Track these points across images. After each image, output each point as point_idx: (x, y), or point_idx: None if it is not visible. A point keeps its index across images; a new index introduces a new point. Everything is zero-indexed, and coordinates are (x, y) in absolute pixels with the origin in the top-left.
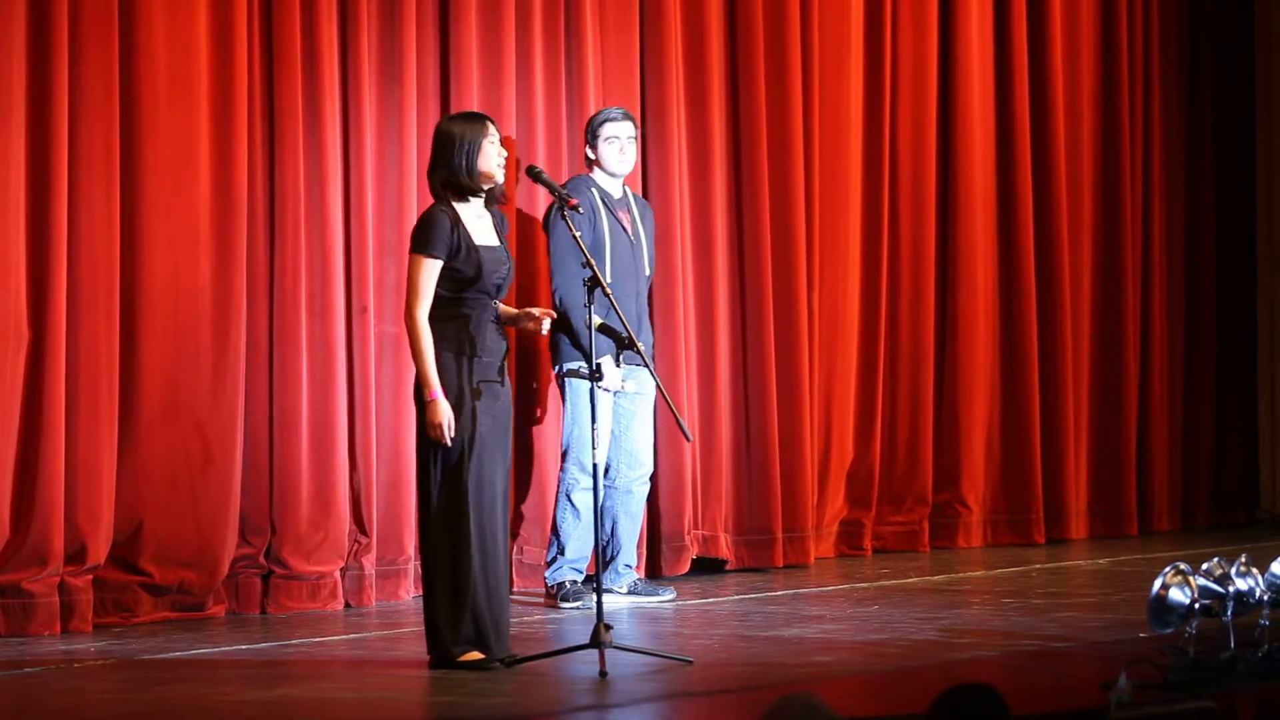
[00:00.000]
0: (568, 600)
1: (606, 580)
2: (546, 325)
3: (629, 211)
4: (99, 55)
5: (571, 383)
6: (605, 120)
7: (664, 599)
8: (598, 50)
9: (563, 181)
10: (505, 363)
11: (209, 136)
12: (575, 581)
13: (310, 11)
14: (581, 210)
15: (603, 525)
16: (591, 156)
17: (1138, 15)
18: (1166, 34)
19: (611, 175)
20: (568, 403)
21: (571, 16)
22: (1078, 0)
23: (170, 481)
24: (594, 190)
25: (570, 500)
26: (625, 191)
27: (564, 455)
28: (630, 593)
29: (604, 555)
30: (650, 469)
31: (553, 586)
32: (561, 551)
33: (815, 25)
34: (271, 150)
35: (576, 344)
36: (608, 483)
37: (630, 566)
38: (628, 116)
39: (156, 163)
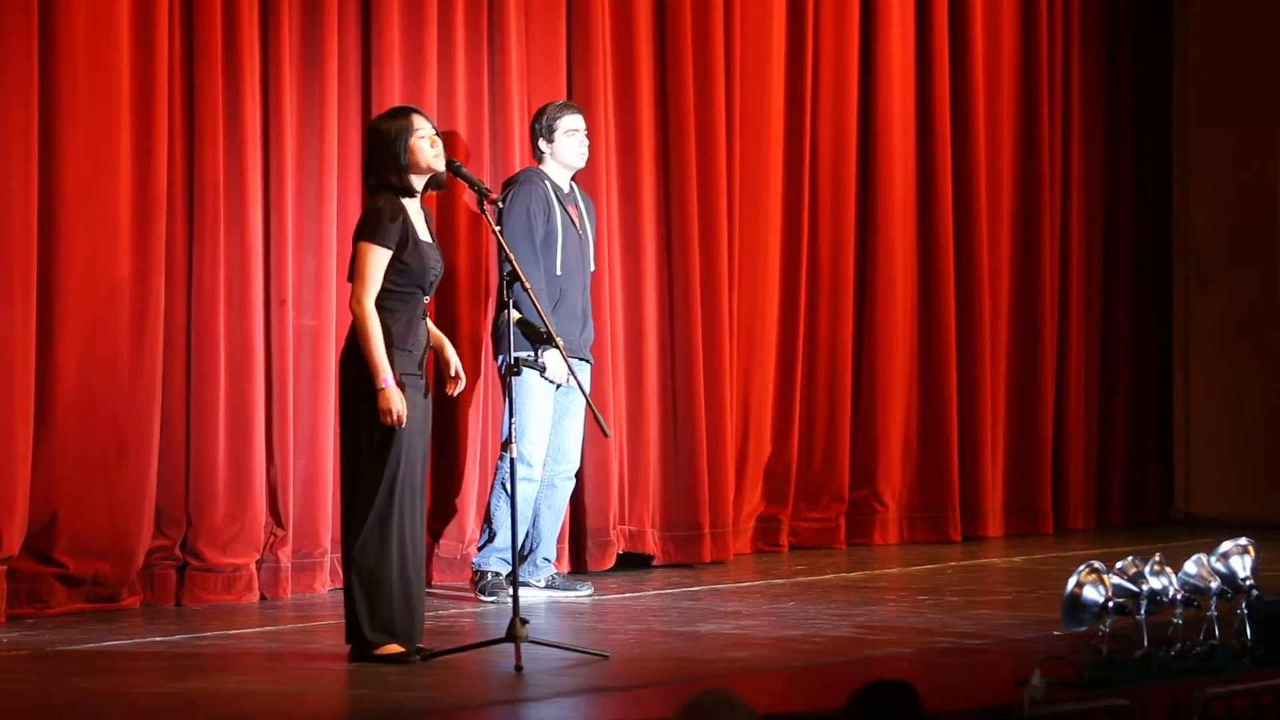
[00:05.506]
0: (486, 593)
1: (524, 574)
2: (456, 390)
3: (576, 206)
4: (17, 43)
5: (521, 372)
6: (567, 112)
7: (581, 594)
8: (521, 44)
9: (514, 173)
10: (426, 357)
11: (129, 126)
12: (499, 574)
13: (231, 2)
14: (501, 205)
15: (525, 519)
16: (545, 149)
17: (1058, 21)
18: (1087, 41)
19: (567, 168)
20: (513, 392)
21: (495, 10)
22: (999, 6)
23: (86, 472)
24: (546, 183)
25: (505, 489)
26: (572, 186)
27: (504, 444)
28: (548, 587)
29: (522, 548)
30: (577, 465)
31: (476, 573)
32: (492, 539)
33: (737, 24)
34: (191, 141)
35: (530, 333)
36: (533, 477)
37: (549, 560)
38: (580, 110)
39: (75, 152)
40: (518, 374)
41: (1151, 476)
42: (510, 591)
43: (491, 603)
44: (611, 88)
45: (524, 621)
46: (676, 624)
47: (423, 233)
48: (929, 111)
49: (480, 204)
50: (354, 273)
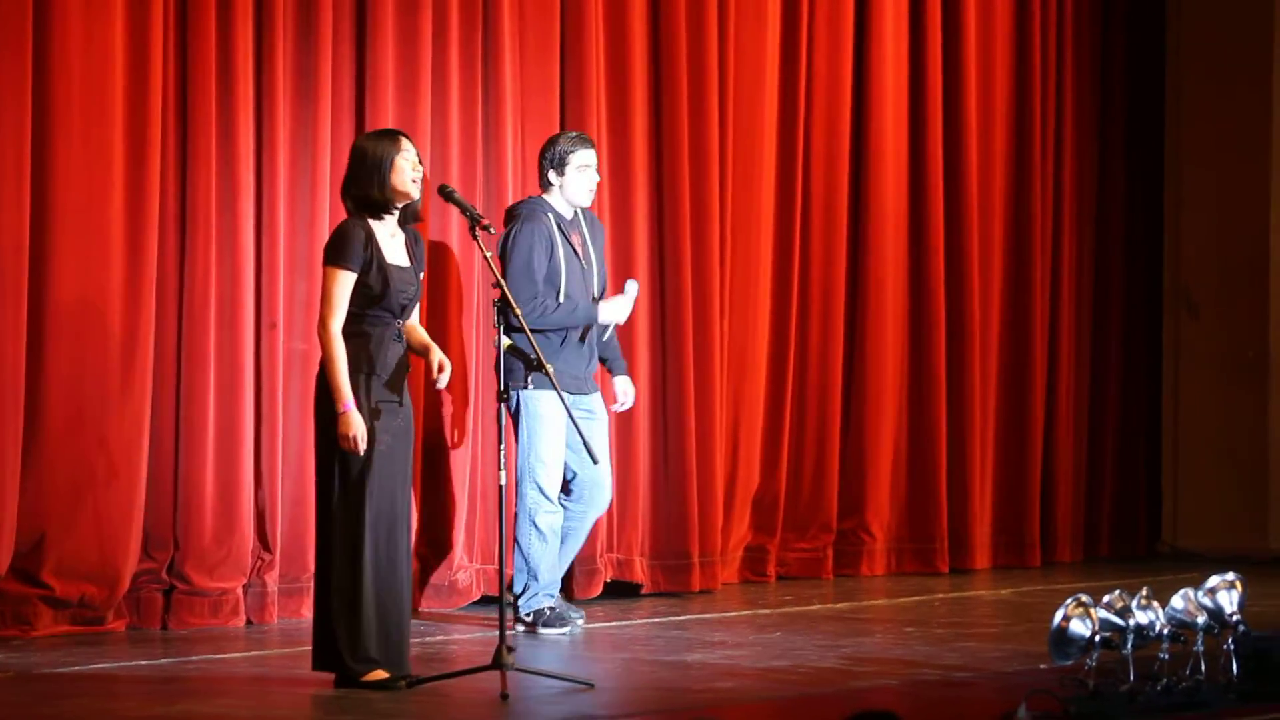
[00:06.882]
0: (551, 626)
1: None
2: (443, 381)
3: (580, 232)
4: (12, 61)
5: (527, 404)
6: (581, 146)
7: (574, 621)
8: (516, 68)
9: (516, 203)
10: (405, 381)
11: (122, 147)
12: (553, 608)
13: (226, 24)
14: (493, 231)
15: (555, 550)
16: (554, 181)
17: (1051, 48)
18: (1080, 69)
19: (573, 205)
20: (521, 424)
21: (490, 34)
22: (992, 32)
23: (74, 494)
24: (550, 215)
25: (535, 524)
26: (576, 211)
27: (519, 479)
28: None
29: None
30: (610, 498)
31: (529, 615)
32: (534, 577)
33: (731, 51)
34: (184, 162)
35: (522, 360)
36: (555, 509)
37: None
38: (593, 144)
39: (69, 172)
40: (507, 401)
41: (1140, 510)
42: (575, 618)
43: (562, 634)
44: (605, 114)
45: (510, 649)
46: (663, 653)
47: (392, 256)
48: (921, 141)
49: (472, 229)
50: (320, 296)
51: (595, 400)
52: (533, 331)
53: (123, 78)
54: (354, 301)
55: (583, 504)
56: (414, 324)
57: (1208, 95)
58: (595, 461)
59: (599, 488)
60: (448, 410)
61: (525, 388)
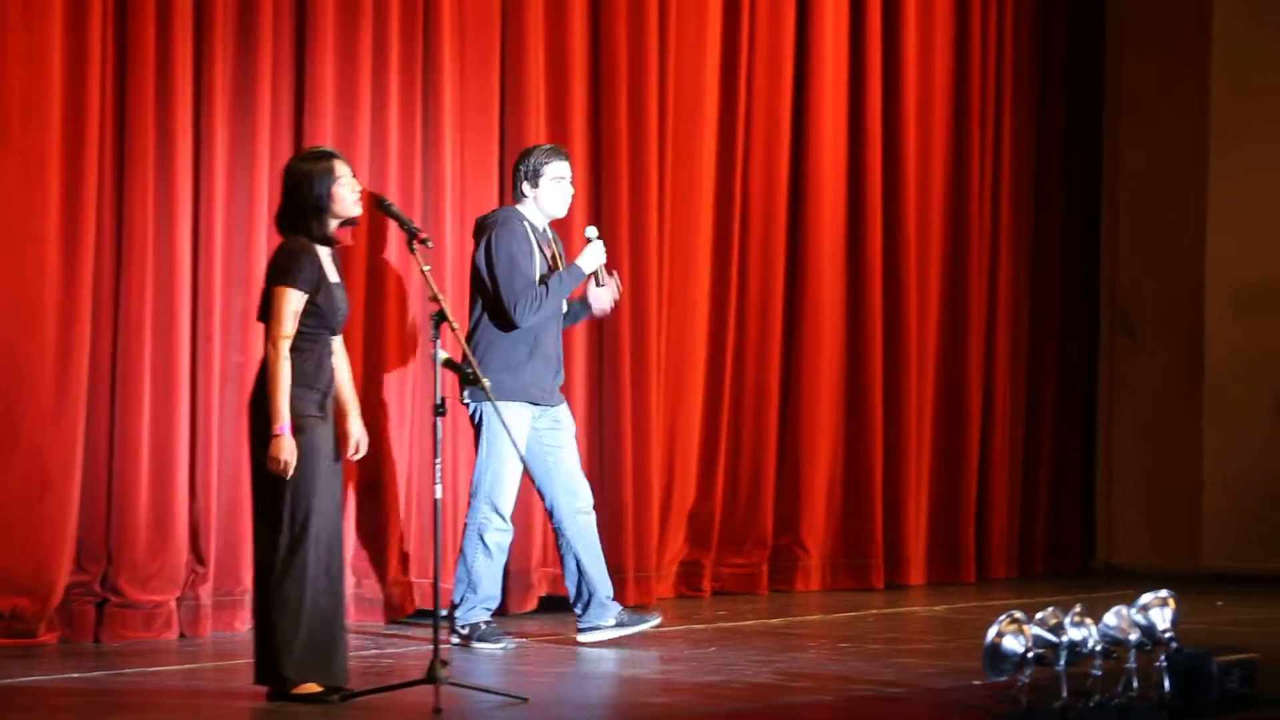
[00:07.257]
0: (485, 641)
1: (594, 618)
2: (355, 458)
3: (550, 245)
4: None
5: (490, 421)
6: (555, 158)
7: (652, 624)
8: (455, 83)
9: (486, 213)
10: (335, 394)
11: (59, 159)
12: (489, 622)
13: (165, 37)
14: (430, 244)
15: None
16: (529, 193)
17: (990, 71)
18: (1019, 92)
19: (548, 215)
20: (483, 439)
21: (430, 49)
22: (931, 56)
23: (7, 506)
24: (525, 224)
25: (483, 540)
26: (545, 226)
27: (473, 492)
28: (618, 625)
29: (580, 594)
30: (590, 498)
31: (465, 627)
32: (473, 590)
33: (671, 69)
34: (121, 175)
35: (457, 374)
36: (555, 522)
37: (611, 598)
38: (568, 156)
39: (4, 184)
40: (443, 414)
41: (1074, 527)
42: (641, 618)
43: (498, 649)
44: (545, 129)
45: (444, 663)
46: (597, 668)
47: (331, 274)
48: (860, 157)
49: (410, 243)
50: (269, 315)
51: (562, 411)
52: (529, 325)
53: (60, 90)
54: (300, 320)
55: (567, 519)
56: (344, 369)
57: (1145, 117)
58: (534, 477)
59: (572, 495)
60: (387, 425)
61: (468, 403)
